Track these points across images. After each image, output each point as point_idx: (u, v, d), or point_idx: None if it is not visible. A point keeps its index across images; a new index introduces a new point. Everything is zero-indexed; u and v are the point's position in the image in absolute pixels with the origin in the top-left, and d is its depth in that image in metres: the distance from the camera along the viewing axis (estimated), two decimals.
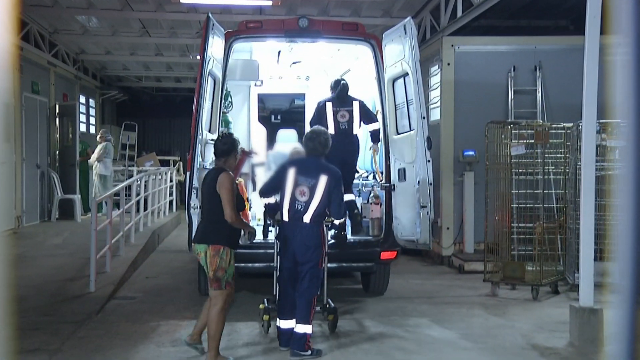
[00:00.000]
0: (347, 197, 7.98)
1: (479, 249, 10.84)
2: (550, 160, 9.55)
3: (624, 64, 1.53)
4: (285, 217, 6.49)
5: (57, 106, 16.78)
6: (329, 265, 7.19)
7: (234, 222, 5.94)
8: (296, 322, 6.36)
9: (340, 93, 8.82)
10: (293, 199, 6.43)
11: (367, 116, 8.87)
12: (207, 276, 6.01)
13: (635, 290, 1.45)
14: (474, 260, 10.65)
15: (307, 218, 6.40)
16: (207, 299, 6.12)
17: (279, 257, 6.88)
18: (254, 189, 10.14)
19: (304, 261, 6.42)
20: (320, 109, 8.81)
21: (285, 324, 6.49)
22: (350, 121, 8.72)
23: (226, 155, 6.08)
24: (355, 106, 8.78)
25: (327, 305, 7.19)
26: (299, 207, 6.41)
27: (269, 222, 7.02)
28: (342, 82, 8.96)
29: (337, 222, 6.69)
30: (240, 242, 6.21)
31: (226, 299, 5.98)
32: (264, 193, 6.87)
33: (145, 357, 6.21)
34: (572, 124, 9.14)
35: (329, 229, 6.90)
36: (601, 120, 8.50)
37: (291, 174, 6.49)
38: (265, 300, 7.14)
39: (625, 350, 1.47)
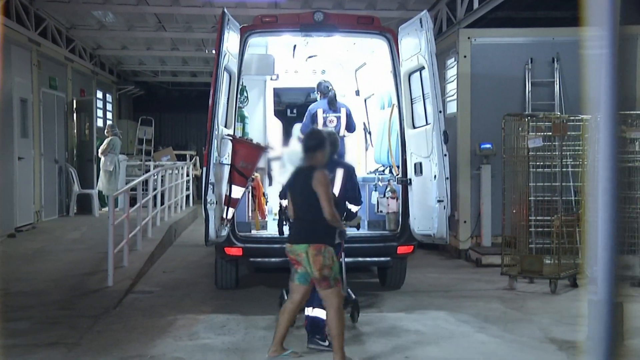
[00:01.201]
0: None
1: (496, 243, 10.78)
2: (568, 153, 9.47)
3: (602, 57, 1.52)
4: None
5: (74, 101, 16.89)
6: (345, 259, 7.16)
7: (333, 220, 5.87)
8: (314, 307, 6.39)
9: (331, 99, 9.70)
10: None
11: (349, 125, 9.83)
12: (314, 278, 5.82)
13: (613, 282, 1.44)
14: (491, 253, 10.60)
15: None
16: (283, 308, 6.01)
17: None
18: (270, 184, 10.16)
19: None
20: (313, 116, 9.71)
21: (311, 312, 6.48)
22: (338, 126, 9.61)
23: (314, 150, 6.01)
24: (343, 112, 9.74)
25: (348, 297, 7.19)
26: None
27: (283, 217, 7.22)
28: (331, 89, 9.80)
29: (354, 209, 6.99)
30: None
31: (339, 296, 5.89)
32: (283, 195, 6.97)
33: (162, 351, 6.24)
34: (590, 115, 9.05)
35: (345, 219, 6.94)
36: (621, 112, 8.42)
37: None
38: (284, 291, 7.14)
39: (605, 342, 1.47)
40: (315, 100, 10.44)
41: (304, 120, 9.83)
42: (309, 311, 6.52)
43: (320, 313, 6.31)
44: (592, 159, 8.83)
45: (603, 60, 1.45)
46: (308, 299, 6.39)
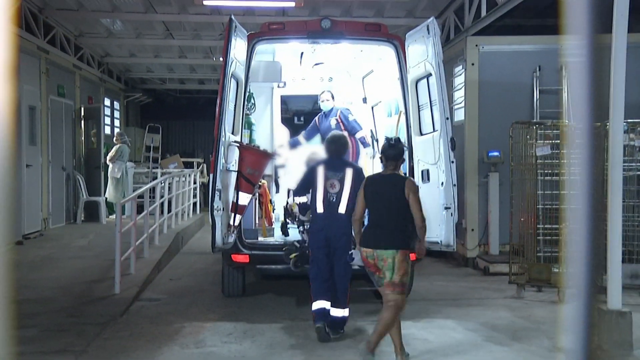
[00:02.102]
0: None
1: (504, 251, 10.74)
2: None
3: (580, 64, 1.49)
4: (320, 209, 7.08)
5: (82, 109, 16.95)
6: (353, 267, 7.32)
7: (424, 226, 6.12)
8: (335, 307, 6.94)
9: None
10: (325, 192, 7.08)
11: None
12: (390, 281, 5.98)
13: (591, 287, 1.42)
14: (499, 262, 10.54)
15: (342, 209, 7.04)
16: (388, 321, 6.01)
17: (310, 249, 7.27)
18: (277, 191, 10.15)
19: (338, 247, 7.00)
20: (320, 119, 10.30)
21: (319, 304, 6.96)
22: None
23: (397, 159, 6.24)
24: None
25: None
26: (332, 199, 7.06)
27: (288, 220, 8.07)
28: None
29: None
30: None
31: (404, 303, 6.11)
32: (299, 192, 7.51)
33: (169, 359, 6.23)
34: (599, 123, 9.00)
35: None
36: (629, 120, 8.38)
37: (321, 171, 7.18)
38: (296, 242, 7.65)
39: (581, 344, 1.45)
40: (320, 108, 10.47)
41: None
42: (318, 304, 6.93)
43: (342, 312, 6.96)
44: (602, 166, 8.79)
45: (582, 67, 1.43)
46: (323, 294, 6.94)
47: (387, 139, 6.44)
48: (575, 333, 1.39)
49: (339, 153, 7.35)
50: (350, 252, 6.75)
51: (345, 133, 9.85)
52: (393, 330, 6.11)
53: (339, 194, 7.05)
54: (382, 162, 6.36)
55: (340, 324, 7.00)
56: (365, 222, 6.44)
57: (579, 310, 1.39)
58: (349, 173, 7.13)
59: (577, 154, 1.43)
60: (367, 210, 6.34)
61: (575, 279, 1.40)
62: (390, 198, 6.10)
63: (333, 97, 10.20)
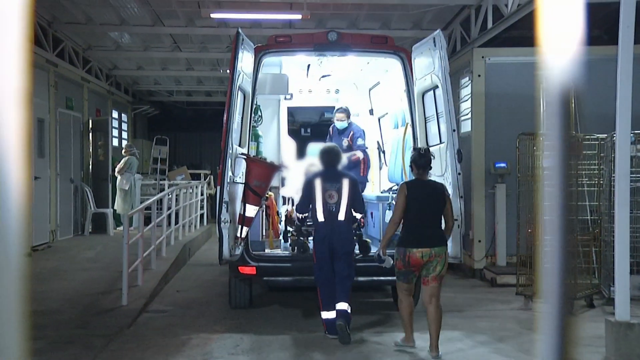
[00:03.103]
0: None
1: (511, 262, 10.70)
2: (583, 172, 9.41)
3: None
4: (322, 219, 7.41)
5: (90, 121, 17.03)
6: (360, 278, 7.75)
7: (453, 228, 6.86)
8: (342, 302, 7.18)
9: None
10: (325, 203, 7.40)
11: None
12: (439, 274, 6.66)
13: (562, 296, 1.44)
14: (506, 273, 10.51)
15: (341, 216, 7.40)
16: (408, 309, 6.78)
17: (315, 257, 7.50)
18: (284, 203, 10.17)
19: (344, 251, 7.38)
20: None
21: (330, 314, 7.23)
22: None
23: (427, 167, 6.78)
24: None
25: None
26: (332, 209, 7.39)
27: (289, 228, 8.44)
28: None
29: (358, 216, 7.68)
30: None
31: None
32: (301, 209, 7.75)
33: None
34: (606, 135, 9.01)
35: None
36: (636, 131, 8.37)
37: (318, 183, 7.47)
38: (292, 230, 8.25)
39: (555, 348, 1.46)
40: (330, 119, 10.47)
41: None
42: (329, 314, 7.18)
43: (347, 305, 7.20)
44: (609, 177, 8.79)
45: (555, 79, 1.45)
46: (331, 304, 7.20)
47: (417, 149, 6.94)
48: (547, 343, 1.40)
49: (333, 163, 7.65)
50: (378, 254, 6.95)
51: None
52: (407, 319, 6.71)
53: (338, 204, 7.41)
54: (412, 170, 6.84)
55: (348, 314, 7.20)
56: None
57: (551, 319, 1.40)
58: (345, 183, 7.48)
59: (550, 165, 1.44)
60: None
61: (547, 288, 1.42)
62: (435, 201, 6.69)
63: (349, 116, 10.13)
